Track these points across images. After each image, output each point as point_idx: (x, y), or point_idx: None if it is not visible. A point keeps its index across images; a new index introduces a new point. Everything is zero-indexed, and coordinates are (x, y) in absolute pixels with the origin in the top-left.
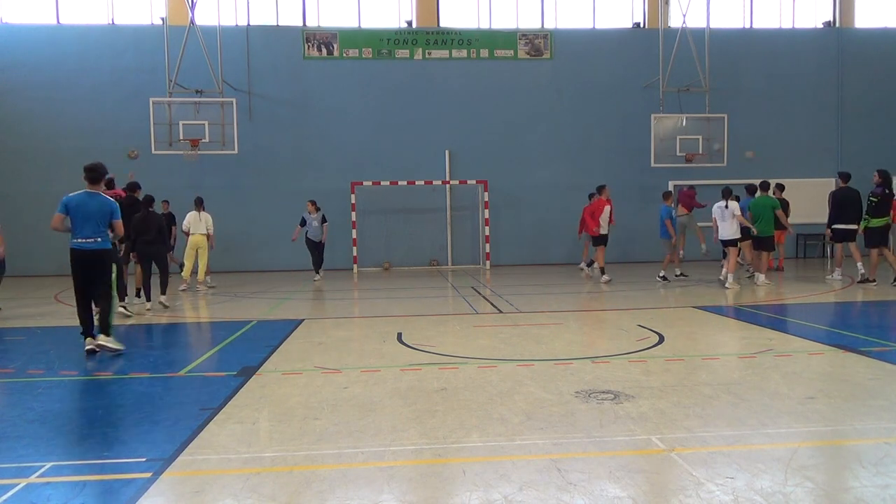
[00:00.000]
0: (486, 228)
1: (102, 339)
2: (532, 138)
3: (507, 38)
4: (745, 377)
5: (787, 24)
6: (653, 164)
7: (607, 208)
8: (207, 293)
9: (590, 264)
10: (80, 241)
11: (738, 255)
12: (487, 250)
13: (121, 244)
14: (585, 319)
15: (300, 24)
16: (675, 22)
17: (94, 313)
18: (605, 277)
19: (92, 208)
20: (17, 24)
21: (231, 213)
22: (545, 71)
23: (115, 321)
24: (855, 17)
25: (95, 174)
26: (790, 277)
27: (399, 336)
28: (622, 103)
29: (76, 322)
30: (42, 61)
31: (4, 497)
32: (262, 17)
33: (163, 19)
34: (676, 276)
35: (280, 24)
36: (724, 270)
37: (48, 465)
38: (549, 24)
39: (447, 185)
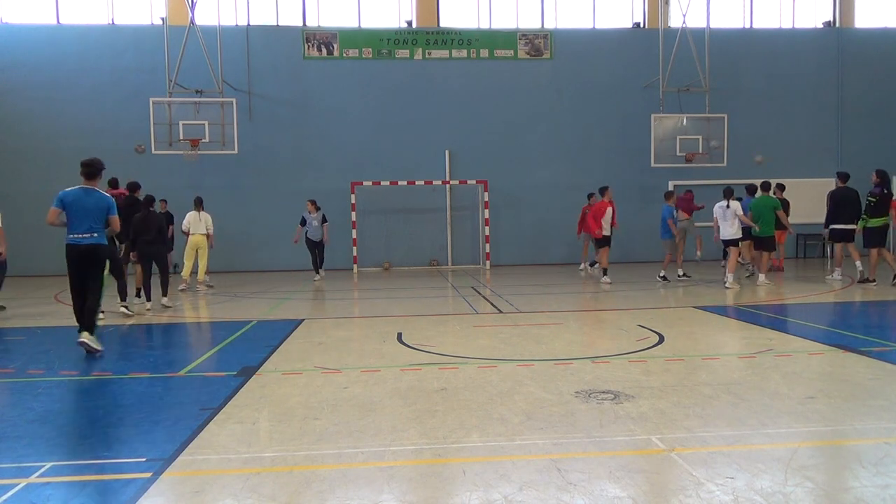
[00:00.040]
0: (486, 228)
1: (85, 337)
2: (532, 138)
3: (507, 38)
4: (745, 377)
5: (787, 24)
6: (653, 164)
7: (609, 210)
8: (207, 293)
9: (592, 264)
10: (76, 236)
11: (738, 255)
12: (487, 250)
13: (121, 244)
14: (585, 319)
15: (300, 24)
16: (675, 22)
17: None
18: (606, 279)
19: (88, 204)
20: (17, 24)
21: (231, 213)
22: (545, 71)
23: (116, 321)
24: (855, 17)
25: (92, 169)
26: (790, 277)
27: (399, 336)
28: (622, 103)
29: (76, 322)
30: (42, 61)
31: (4, 497)
32: (262, 17)
33: (163, 19)
34: (679, 276)
35: (280, 24)
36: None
37: (48, 465)
38: (549, 24)
39: (447, 185)
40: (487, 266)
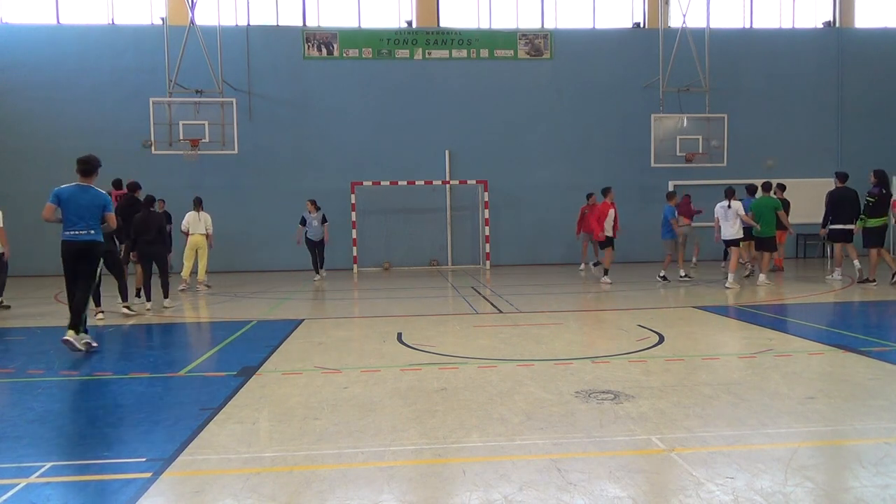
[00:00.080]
0: (486, 228)
1: (70, 336)
2: (532, 138)
3: (507, 38)
4: (745, 377)
5: (787, 24)
6: (653, 164)
7: (612, 212)
8: (207, 293)
9: (596, 264)
10: (72, 233)
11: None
12: (487, 250)
13: (121, 244)
14: (585, 319)
15: (300, 24)
16: (675, 22)
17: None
18: (606, 279)
19: (84, 201)
20: (17, 24)
21: (231, 213)
22: (545, 71)
23: (116, 321)
24: (855, 17)
25: (88, 167)
26: (790, 277)
27: (399, 336)
28: (622, 103)
29: None
30: (42, 61)
31: (4, 497)
32: (262, 17)
33: (163, 19)
34: (681, 277)
35: (280, 24)
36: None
37: (48, 465)
38: (549, 24)
39: (447, 185)
40: (487, 266)
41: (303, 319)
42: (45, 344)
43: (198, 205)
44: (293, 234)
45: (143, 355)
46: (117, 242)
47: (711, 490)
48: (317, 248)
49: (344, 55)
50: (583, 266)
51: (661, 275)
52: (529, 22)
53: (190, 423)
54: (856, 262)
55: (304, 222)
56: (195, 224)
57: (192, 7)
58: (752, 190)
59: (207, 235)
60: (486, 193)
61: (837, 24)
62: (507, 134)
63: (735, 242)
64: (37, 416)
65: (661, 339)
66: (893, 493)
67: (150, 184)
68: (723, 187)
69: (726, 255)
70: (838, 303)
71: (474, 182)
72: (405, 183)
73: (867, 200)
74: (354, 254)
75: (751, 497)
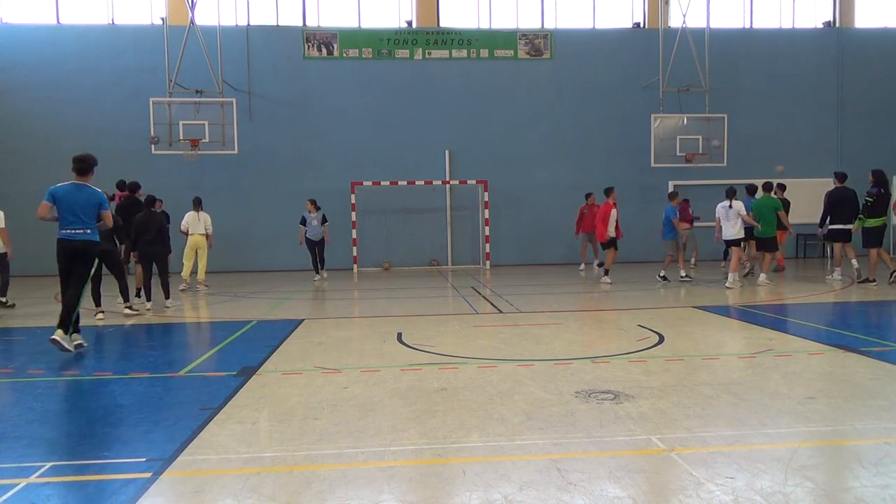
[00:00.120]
0: (486, 228)
1: (58, 335)
2: (532, 138)
3: (507, 38)
4: (745, 377)
5: (787, 24)
6: (653, 164)
7: (614, 212)
8: (207, 293)
9: (600, 264)
10: (67, 231)
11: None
12: (487, 250)
13: (121, 244)
14: (585, 319)
15: (300, 24)
16: (675, 22)
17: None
18: (606, 279)
19: (80, 199)
20: (17, 24)
21: (231, 213)
22: (545, 71)
23: (116, 321)
24: (855, 17)
25: (84, 165)
26: (790, 277)
27: (399, 336)
28: (622, 103)
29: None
30: (42, 61)
31: (4, 497)
32: (262, 17)
33: (163, 19)
34: (682, 277)
35: (280, 24)
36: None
37: (48, 465)
38: (549, 24)
39: (447, 185)
40: (487, 266)
41: (303, 319)
42: (46, 344)
43: (197, 205)
44: (295, 234)
45: (143, 355)
46: (118, 243)
47: (711, 490)
48: (317, 248)
49: (344, 55)
50: (583, 266)
51: (662, 275)
52: (529, 22)
53: (190, 423)
54: (854, 261)
55: (304, 222)
56: (195, 224)
57: (192, 7)
58: (752, 190)
59: (207, 235)
60: (486, 193)
61: (837, 24)
62: (507, 134)
63: (736, 242)
64: (37, 416)
65: (661, 339)
66: (893, 493)
67: (150, 184)
68: (723, 187)
69: (727, 255)
70: (838, 303)
71: (474, 182)
72: (405, 183)
73: (866, 200)
74: (354, 254)
75: (751, 497)
